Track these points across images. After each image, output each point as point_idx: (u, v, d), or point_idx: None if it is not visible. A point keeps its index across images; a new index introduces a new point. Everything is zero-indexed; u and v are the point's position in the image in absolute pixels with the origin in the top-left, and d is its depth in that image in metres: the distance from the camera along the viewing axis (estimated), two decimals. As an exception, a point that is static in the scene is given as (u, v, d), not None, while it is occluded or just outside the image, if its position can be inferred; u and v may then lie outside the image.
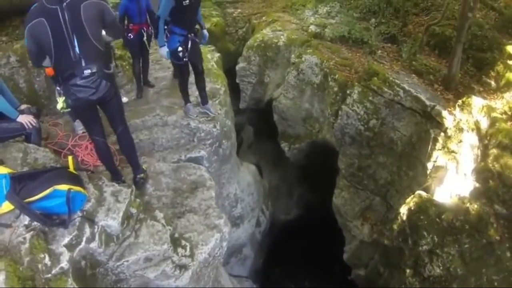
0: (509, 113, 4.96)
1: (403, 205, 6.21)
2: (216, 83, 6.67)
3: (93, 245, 3.37)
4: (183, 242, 4.06)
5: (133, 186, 4.07)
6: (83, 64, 3.35)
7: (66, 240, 3.19)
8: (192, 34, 5.09)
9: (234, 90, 9.28)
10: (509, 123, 4.78)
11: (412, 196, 6.03)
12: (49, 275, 2.94)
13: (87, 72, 3.37)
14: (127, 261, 3.63)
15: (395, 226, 6.45)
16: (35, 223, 3.12)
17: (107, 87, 3.54)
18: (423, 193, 5.76)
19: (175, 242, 3.99)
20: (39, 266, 2.92)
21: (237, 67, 9.74)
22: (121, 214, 3.58)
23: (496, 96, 6.14)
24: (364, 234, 7.99)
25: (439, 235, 5.11)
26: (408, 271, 5.75)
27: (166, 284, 3.96)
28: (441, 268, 4.98)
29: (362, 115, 7.35)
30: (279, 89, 9.02)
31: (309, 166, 9.51)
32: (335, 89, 7.78)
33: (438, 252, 5.08)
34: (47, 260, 2.98)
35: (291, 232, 10.01)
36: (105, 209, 3.57)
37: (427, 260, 5.30)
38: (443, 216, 5.10)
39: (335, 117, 7.81)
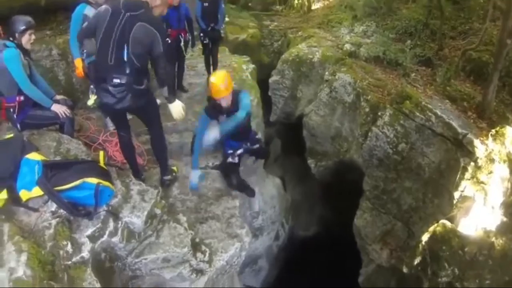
0: (544, 146, 4.82)
1: (426, 233, 6.08)
2: (250, 95, 6.75)
3: (115, 239, 3.48)
4: (203, 248, 4.13)
5: (160, 188, 4.18)
6: (114, 72, 3.45)
7: (89, 231, 3.29)
8: None
9: (266, 102, 9.34)
10: (542, 158, 4.64)
11: (435, 224, 5.90)
12: (69, 262, 3.03)
13: (116, 81, 3.47)
14: (146, 259, 3.72)
15: (415, 254, 6.31)
16: (62, 210, 3.23)
17: (132, 101, 3.61)
18: (447, 223, 5.63)
19: (195, 247, 4.07)
20: (61, 252, 3.01)
21: (270, 80, 9.83)
22: (145, 213, 3.68)
23: (531, 127, 5.95)
24: (383, 259, 7.84)
25: (461, 268, 4.98)
26: (428, 308, 5.59)
27: (181, 286, 4.03)
28: (463, 317, 4.84)
29: (391, 138, 7.27)
30: (310, 105, 9.04)
31: (333, 184, 9.43)
32: (367, 109, 7.74)
33: (458, 286, 4.94)
34: (69, 247, 3.08)
35: (309, 249, 9.90)
36: (131, 207, 3.68)
37: (447, 296, 5.16)
38: (466, 249, 4.97)
39: (364, 138, 7.75)
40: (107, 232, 3.43)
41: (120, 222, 3.55)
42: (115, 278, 3.66)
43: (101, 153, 3.86)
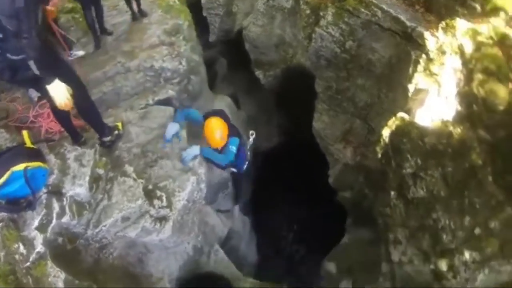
0: (495, 38, 4.65)
1: (385, 128, 6.09)
2: (179, 19, 6.17)
3: (65, 219, 3.19)
4: (158, 193, 3.87)
5: (97, 146, 3.75)
6: None
7: (36, 222, 3.02)
8: None
9: (202, 24, 8.88)
10: (495, 49, 4.50)
11: (393, 118, 5.88)
12: (28, 264, 2.84)
13: None
14: (105, 225, 3.49)
15: (377, 149, 6.39)
16: (2, 213, 2.87)
17: (13, 75, 2.94)
18: (405, 116, 5.62)
19: (150, 195, 3.81)
20: (16, 257, 2.81)
21: (202, 0, 9.24)
22: (87, 178, 3.35)
23: (481, 21, 5.76)
24: (347, 157, 7.99)
25: (422, 158, 5.05)
26: (392, 193, 5.77)
27: (150, 240, 3.86)
28: (424, 190, 4.97)
29: (337, 37, 6.96)
30: (248, 18, 8.55)
31: (286, 92, 9.25)
32: (307, 12, 7.34)
33: (422, 175, 5.04)
34: (22, 249, 2.86)
35: (275, 159, 10.00)
36: (71, 178, 3.33)
37: (410, 183, 5.29)
38: (426, 139, 4.99)
39: (308, 41, 7.43)
40: (54, 215, 3.15)
41: (65, 199, 3.24)
42: (82, 257, 3.42)
43: (24, 133, 3.41)
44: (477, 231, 4.26)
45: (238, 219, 8.61)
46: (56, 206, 3.14)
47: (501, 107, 4.16)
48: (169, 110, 4.80)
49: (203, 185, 4.42)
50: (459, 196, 4.46)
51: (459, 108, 4.67)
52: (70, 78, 3.23)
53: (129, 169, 3.79)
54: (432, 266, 4.79)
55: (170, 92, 5.18)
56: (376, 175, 6.63)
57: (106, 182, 3.58)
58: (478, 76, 4.43)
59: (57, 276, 2.85)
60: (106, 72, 5.09)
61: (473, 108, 4.43)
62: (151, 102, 5.01)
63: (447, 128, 4.72)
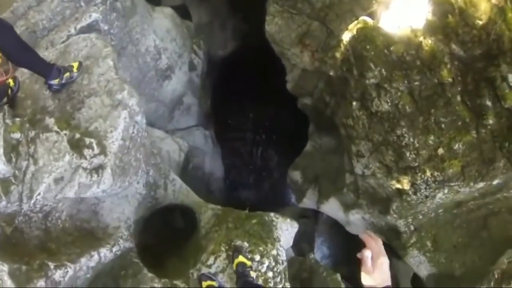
0: None
1: (346, 32, 5.53)
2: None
3: (-9, 202, 2.70)
4: (87, 141, 3.38)
5: (5, 107, 3.11)
6: None
7: None
8: None
9: None
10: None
11: (355, 22, 5.31)
12: None
13: None
14: (39, 194, 3.04)
15: (337, 54, 5.90)
16: None
17: None
18: (368, 19, 5.04)
19: (78, 145, 3.32)
20: None
21: None
22: (1, 150, 2.81)
23: None
24: (305, 62, 7.47)
25: (388, 69, 4.63)
26: (354, 103, 5.47)
27: (93, 194, 3.49)
28: (389, 104, 4.67)
29: None
30: None
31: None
32: None
33: (386, 87, 4.69)
34: None
35: (232, 67, 9.40)
36: (-17, 154, 2.75)
37: (374, 94, 4.95)
38: (392, 48, 4.53)
39: None
40: None
41: (-17, 181, 2.69)
42: (27, 234, 3.04)
43: None
44: (440, 151, 4.14)
45: (200, 134, 8.33)
46: (-25, 191, 2.66)
47: (480, 22, 3.70)
48: (89, 38, 4.04)
49: (138, 117, 3.93)
50: (426, 113, 4.23)
51: (431, 17, 4.15)
52: None
53: (50, 121, 3.21)
54: (394, 181, 4.78)
55: (94, 15, 4.38)
56: (336, 83, 6.25)
57: (28, 145, 3.03)
58: (458, -19, 3.86)
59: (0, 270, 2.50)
60: (15, 9, 4.36)
61: (448, 19, 3.94)
62: (73, 32, 4.25)
63: (417, 38, 4.26)
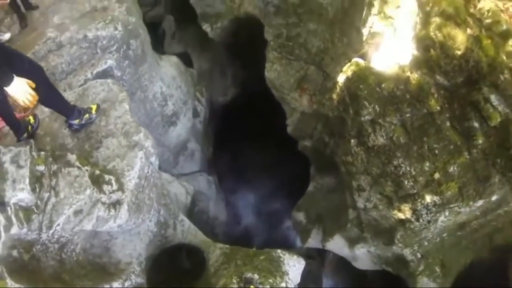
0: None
1: (341, 74, 5.93)
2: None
3: (14, 229, 2.90)
4: (107, 177, 3.59)
5: (31, 141, 3.36)
6: None
7: None
8: None
9: None
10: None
11: (349, 64, 5.71)
12: None
13: None
14: (58, 224, 3.20)
15: (334, 96, 6.26)
16: None
17: None
18: (360, 61, 5.44)
19: (98, 181, 3.53)
20: None
21: None
22: (27, 180, 3.00)
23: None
24: (304, 106, 7.84)
25: (380, 105, 4.97)
26: (352, 140, 5.74)
27: (109, 228, 3.64)
28: (384, 137, 4.96)
29: (285, -18, 6.54)
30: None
31: (237, 43, 8.84)
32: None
33: (381, 122, 5.00)
34: None
35: (233, 113, 9.76)
36: (10, 183, 2.98)
37: (370, 130, 5.24)
38: (383, 85, 4.89)
39: (254, -13, 6.94)
40: (1, 229, 2.84)
41: (9, 209, 2.90)
42: (43, 263, 3.17)
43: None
44: (436, 175, 4.36)
45: (203, 179, 8.51)
46: (1, 218, 2.82)
47: (459, 52, 4.08)
48: (106, 83, 4.38)
49: (153, 158, 4.16)
50: (419, 142, 4.50)
51: (416, 52, 4.56)
52: (28, 68, 3.03)
53: (72, 157, 3.44)
54: (396, 211, 4.93)
55: (109, 62, 4.76)
56: (334, 123, 6.57)
57: (50, 178, 3.23)
58: (436, 19, 4.29)
59: (17, 292, 2.61)
60: (37, 52, 4.66)
61: (431, 53, 4.34)
62: (90, 76, 4.59)
63: (404, 74, 4.63)
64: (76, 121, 3.82)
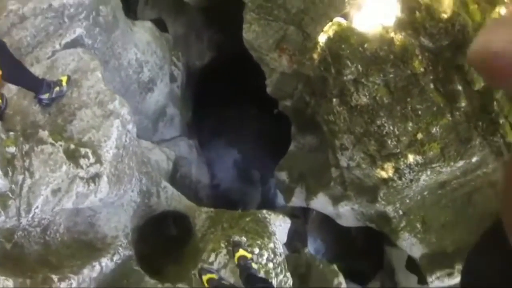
0: None
1: (322, 34, 5.78)
2: None
3: (-11, 219, 2.75)
4: (82, 151, 3.46)
5: (-2, 121, 3.17)
6: None
7: None
8: None
9: None
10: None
11: (330, 23, 5.55)
12: None
13: None
14: (37, 207, 3.08)
15: (315, 56, 6.14)
16: None
17: None
18: (342, 21, 5.28)
19: (74, 155, 3.40)
20: None
21: None
22: (-2, 165, 2.84)
23: None
24: (284, 66, 7.66)
25: (363, 65, 4.88)
26: (334, 100, 5.69)
27: (90, 203, 3.56)
28: (367, 97, 4.91)
29: None
30: None
31: (213, 7, 8.48)
32: None
33: (363, 82, 4.93)
34: None
35: (211, 76, 9.52)
36: (-21, 170, 2.80)
37: (352, 90, 5.18)
38: (366, 45, 4.78)
39: None
40: None
41: (-19, 198, 2.74)
42: (27, 249, 3.08)
43: None
44: (419, 136, 4.39)
45: (184, 144, 8.41)
46: (-27, 211, 2.70)
47: (445, 16, 3.99)
48: (76, 52, 4.13)
49: (130, 126, 4.04)
50: (402, 102, 4.48)
51: (400, 14, 4.43)
52: None
53: (44, 134, 3.27)
54: (379, 170, 4.99)
55: (78, 30, 4.44)
56: (315, 83, 6.47)
57: (23, 159, 3.08)
58: (422, -19, 4.15)
59: (5, 286, 2.53)
60: None
61: (416, 15, 4.23)
62: (58, 47, 4.28)
63: (388, 34, 4.53)
64: (45, 96, 3.63)
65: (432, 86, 4.29)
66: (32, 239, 3.22)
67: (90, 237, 3.90)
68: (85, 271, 3.48)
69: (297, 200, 7.38)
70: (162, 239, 5.49)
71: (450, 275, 5.09)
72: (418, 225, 5.19)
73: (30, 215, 3.04)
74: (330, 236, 8.48)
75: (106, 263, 3.74)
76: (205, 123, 9.56)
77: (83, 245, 3.73)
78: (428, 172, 4.53)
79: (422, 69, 4.30)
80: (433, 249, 5.18)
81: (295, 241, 7.76)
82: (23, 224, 3.10)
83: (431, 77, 4.28)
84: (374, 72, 4.72)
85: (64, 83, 3.76)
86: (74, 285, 3.28)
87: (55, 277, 3.15)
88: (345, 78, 5.28)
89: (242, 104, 9.40)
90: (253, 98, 9.02)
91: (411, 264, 5.95)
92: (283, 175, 7.82)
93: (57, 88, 3.71)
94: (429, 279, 5.18)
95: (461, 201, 5.08)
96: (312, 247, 8.41)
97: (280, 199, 8.79)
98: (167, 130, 8.06)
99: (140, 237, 4.97)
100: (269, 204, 9.29)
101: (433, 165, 4.41)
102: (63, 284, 3.14)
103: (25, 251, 3.17)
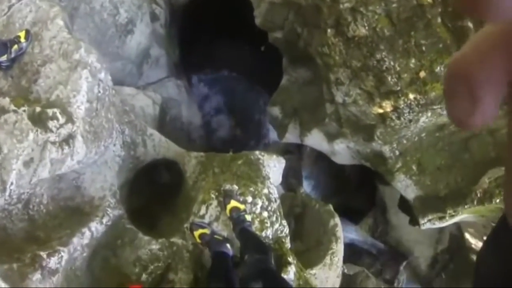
0: None
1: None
2: None
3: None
4: (50, 112, 3.13)
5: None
6: None
7: None
8: None
9: None
10: None
11: None
12: None
13: None
14: (12, 183, 2.84)
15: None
16: None
17: None
18: None
19: (40, 119, 3.09)
20: None
21: None
22: (-42, 142, 2.53)
23: None
24: (273, -8, 7.04)
25: (361, -14, 4.37)
26: (329, 30, 5.23)
27: (69, 168, 3.32)
28: (366, 28, 4.45)
29: None
30: None
31: None
32: None
33: (362, 11, 4.44)
34: None
35: (197, 11, 8.78)
36: None
37: (350, 19, 4.71)
38: (365, -32, 4.24)
39: None
40: None
41: None
42: (10, 229, 2.90)
43: None
44: (422, 74, 4.03)
45: (172, 85, 8.00)
46: None
47: None
48: (33, 1, 3.58)
49: (102, 74, 3.64)
50: (405, 36, 4.05)
51: None
52: None
53: (5, 102, 2.92)
54: (376, 107, 4.71)
55: (35, -23, 3.81)
56: (308, 12, 5.95)
57: (-14, 133, 2.79)
58: None
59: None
60: None
61: None
62: (14, 1, 3.70)
63: (392, -44, 3.97)
64: (4, 57, 3.23)
65: (439, 20, 3.84)
66: (15, 217, 3.03)
67: (78, 202, 3.72)
68: (75, 240, 3.33)
69: (291, 136, 7.19)
70: (156, 189, 5.35)
71: (441, 218, 5.08)
72: (414, 167, 5.05)
73: (7, 194, 2.81)
74: (325, 172, 8.44)
75: (96, 227, 3.59)
76: (194, 61, 9.02)
77: (71, 212, 3.55)
78: (429, 114, 4.26)
79: (429, 0, 3.81)
80: (426, 192, 5.09)
81: (290, 178, 7.71)
82: (1, 205, 2.88)
83: (439, 9, 3.81)
84: (374, 0, 4.21)
85: (22, 39, 3.32)
86: (65, 257, 3.15)
87: (43, 254, 3.00)
88: (341, 6, 4.79)
89: (232, 38, 8.76)
90: (243, 31, 8.40)
91: (403, 204, 5.94)
92: (275, 111, 7.55)
93: (15, 46, 3.27)
94: (421, 221, 5.17)
95: (458, 146, 4.90)
96: (306, 183, 8.40)
97: (274, 135, 8.62)
98: (153, 72, 7.61)
99: (132, 190, 4.82)
100: (263, 141, 9.13)
101: (434, 107, 4.13)
102: (53, 259, 3.01)
103: (8, 232, 3.00)
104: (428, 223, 5.18)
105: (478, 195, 4.63)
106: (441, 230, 6.98)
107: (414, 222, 5.52)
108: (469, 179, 4.81)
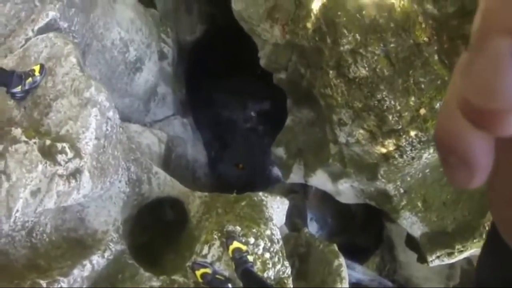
0: None
1: (315, 0, 5.42)
2: None
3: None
4: (59, 146, 3.21)
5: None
6: None
7: None
8: None
9: None
10: None
11: (325, -12, 5.18)
12: None
13: None
14: (17, 211, 2.88)
15: (308, 25, 5.79)
16: None
17: None
18: (337, -15, 4.91)
19: (50, 152, 3.16)
20: None
21: None
22: (-31, 169, 2.60)
23: None
24: (276, 37, 7.31)
25: (361, 34, 4.53)
26: (331, 72, 5.39)
27: (74, 201, 3.36)
28: (366, 68, 4.59)
29: None
30: None
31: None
32: None
33: (362, 52, 4.59)
34: None
35: (203, 50, 9.13)
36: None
37: (350, 61, 4.86)
38: (363, 12, 4.42)
39: None
40: None
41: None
42: (13, 255, 2.90)
43: None
44: (422, 111, 4.12)
45: (178, 123, 8.16)
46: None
47: (451, -22, 3.63)
48: (48, 37, 3.79)
49: (110, 113, 3.75)
50: (404, 75, 4.17)
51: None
52: None
53: (17, 132, 3.02)
54: (379, 147, 4.76)
55: (51, 14, 4.06)
56: (310, 54, 6.15)
57: (-2, 160, 2.87)
58: None
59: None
60: None
61: (420, -21, 3.86)
62: (31, 34, 3.93)
63: (388, 0, 4.16)
64: (18, 89, 3.34)
65: (436, 57, 3.97)
66: (18, 243, 3.04)
67: (81, 234, 3.72)
68: (75, 271, 3.32)
69: (296, 176, 7.21)
70: (160, 226, 5.34)
71: (450, 254, 4.98)
72: (419, 204, 5.02)
73: (12, 220, 2.85)
74: (330, 211, 8.37)
75: (97, 261, 3.57)
76: (200, 99, 9.24)
77: (74, 243, 3.55)
78: (431, 150, 4.30)
79: (425, 39, 3.96)
80: (433, 228, 5.04)
81: (294, 217, 7.64)
82: (5, 231, 2.91)
83: (435, 47, 3.95)
84: (373, 41, 4.38)
85: (36, 73, 3.46)
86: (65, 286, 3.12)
87: (43, 282, 2.99)
88: (342, 48, 4.96)
89: (238, 78, 9.03)
90: (248, 71, 8.67)
91: (411, 241, 5.84)
92: (280, 151, 7.62)
93: (30, 79, 3.41)
94: (429, 258, 5.07)
95: (462, 180, 4.86)
96: (311, 222, 8.31)
97: (279, 174, 8.63)
98: (159, 109, 7.79)
99: (135, 226, 4.81)
100: (268, 181, 9.12)
101: (437, 142, 4.16)
102: (52, 288, 2.98)
103: (10, 258, 3.00)
104: (437, 260, 5.07)
105: (487, 228, 4.56)
106: (451, 265, 6.78)
107: (422, 259, 5.39)
108: (477, 212, 4.76)
